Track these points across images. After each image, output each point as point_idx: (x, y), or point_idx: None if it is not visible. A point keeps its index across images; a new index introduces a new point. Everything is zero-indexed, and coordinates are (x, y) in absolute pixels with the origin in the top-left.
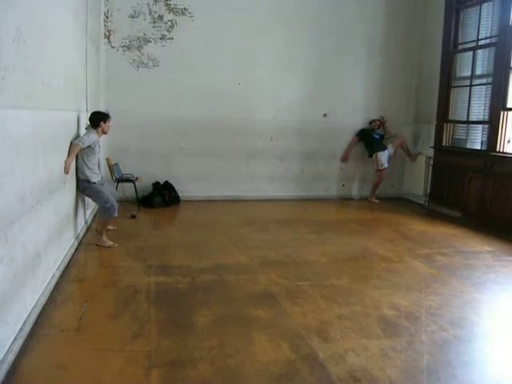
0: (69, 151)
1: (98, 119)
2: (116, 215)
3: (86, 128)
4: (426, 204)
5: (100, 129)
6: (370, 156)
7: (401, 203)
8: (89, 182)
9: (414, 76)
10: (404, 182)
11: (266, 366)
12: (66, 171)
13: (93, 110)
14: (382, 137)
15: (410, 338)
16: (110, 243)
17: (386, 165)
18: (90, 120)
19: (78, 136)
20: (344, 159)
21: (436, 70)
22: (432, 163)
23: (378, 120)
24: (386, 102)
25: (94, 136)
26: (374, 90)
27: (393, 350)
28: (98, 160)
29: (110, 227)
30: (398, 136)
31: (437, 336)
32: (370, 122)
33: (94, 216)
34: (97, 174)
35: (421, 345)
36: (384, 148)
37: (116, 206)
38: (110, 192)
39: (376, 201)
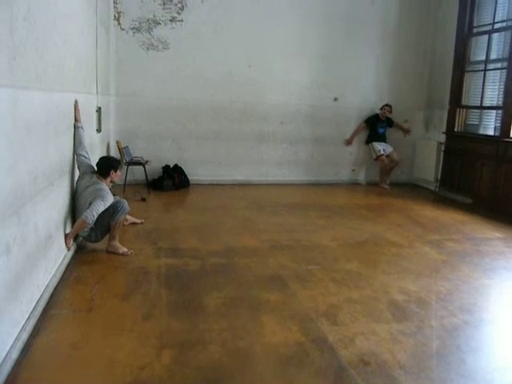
0: (76, 225)
1: (108, 168)
2: (128, 208)
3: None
4: (437, 190)
5: (109, 178)
6: (367, 143)
7: (411, 189)
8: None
9: (426, 60)
10: (414, 167)
11: (276, 349)
12: (68, 247)
13: (102, 151)
14: (386, 128)
15: (420, 323)
16: (124, 250)
17: (382, 151)
18: (97, 167)
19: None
20: (348, 142)
21: (449, 54)
22: (443, 149)
23: (388, 105)
24: (398, 86)
25: (108, 197)
26: (385, 74)
27: (402, 334)
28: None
29: (137, 220)
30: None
31: (446, 321)
32: (381, 108)
33: None
34: None
35: (430, 329)
36: (383, 141)
37: (123, 200)
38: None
39: (386, 186)
